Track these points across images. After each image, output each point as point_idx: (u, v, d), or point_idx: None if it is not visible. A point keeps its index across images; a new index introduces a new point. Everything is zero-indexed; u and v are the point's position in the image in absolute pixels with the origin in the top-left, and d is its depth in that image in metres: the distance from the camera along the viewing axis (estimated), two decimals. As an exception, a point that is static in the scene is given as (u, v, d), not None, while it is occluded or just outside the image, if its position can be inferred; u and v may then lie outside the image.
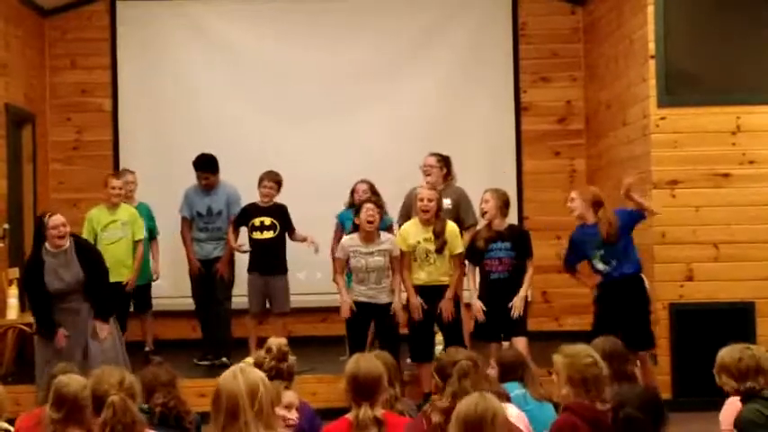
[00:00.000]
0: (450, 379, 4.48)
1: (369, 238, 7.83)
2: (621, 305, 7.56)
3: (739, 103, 8.56)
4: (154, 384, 4.92)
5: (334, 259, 8.39)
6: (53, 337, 7.36)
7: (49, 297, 7.38)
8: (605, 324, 7.33)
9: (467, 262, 7.95)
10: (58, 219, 7.38)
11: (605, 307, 7.66)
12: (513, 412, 4.62)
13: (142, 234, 9.09)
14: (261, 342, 5.97)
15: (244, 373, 3.67)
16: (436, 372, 4.70)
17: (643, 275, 7.73)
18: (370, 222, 7.77)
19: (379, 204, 7.97)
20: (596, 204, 7.68)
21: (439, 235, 7.74)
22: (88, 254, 7.58)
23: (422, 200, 7.79)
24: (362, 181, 9.04)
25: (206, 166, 9.21)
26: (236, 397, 3.59)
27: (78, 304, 7.45)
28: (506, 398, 4.91)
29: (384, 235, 7.98)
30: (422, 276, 7.81)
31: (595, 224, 7.61)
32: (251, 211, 9.04)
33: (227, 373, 3.71)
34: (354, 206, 8.55)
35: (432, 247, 7.74)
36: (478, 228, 8.03)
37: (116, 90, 10.98)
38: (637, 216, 7.67)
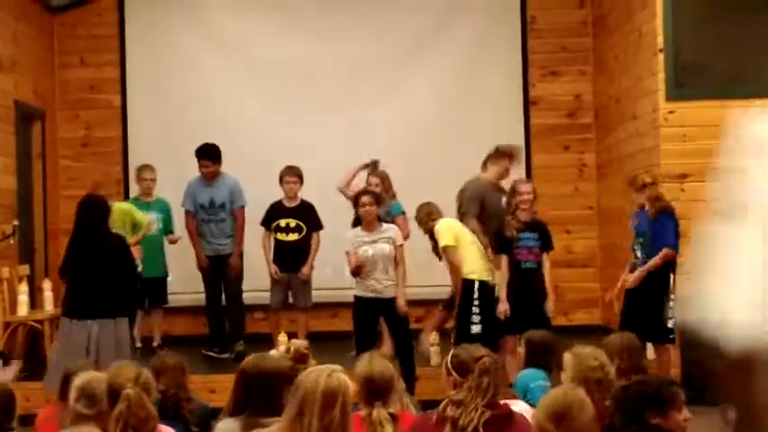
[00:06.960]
0: (471, 374, 4.46)
1: (370, 227, 7.89)
2: (642, 293, 7.61)
3: (748, 97, 8.49)
4: (161, 370, 4.93)
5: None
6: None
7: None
8: (627, 311, 7.63)
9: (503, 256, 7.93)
10: None
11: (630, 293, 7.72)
12: (522, 406, 4.61)
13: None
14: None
15: (330, 377, 3.50)
16: (454, 367, 4.63)
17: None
18: (365, 212, 7.82)
19: (375, 194, 8.00)
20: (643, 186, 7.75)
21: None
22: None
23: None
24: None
25: (206, 154, 9.16)
26: (308, 397, 3.45)
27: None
28: (512, 396, 4.91)
29: (386, 225, 8.02)
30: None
31: (643, 210, 7.70)
32: (276, 211, 9.08)
33: (311, 371, 3.56)
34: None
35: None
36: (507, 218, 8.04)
37: (125, 86, 10.99)
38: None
